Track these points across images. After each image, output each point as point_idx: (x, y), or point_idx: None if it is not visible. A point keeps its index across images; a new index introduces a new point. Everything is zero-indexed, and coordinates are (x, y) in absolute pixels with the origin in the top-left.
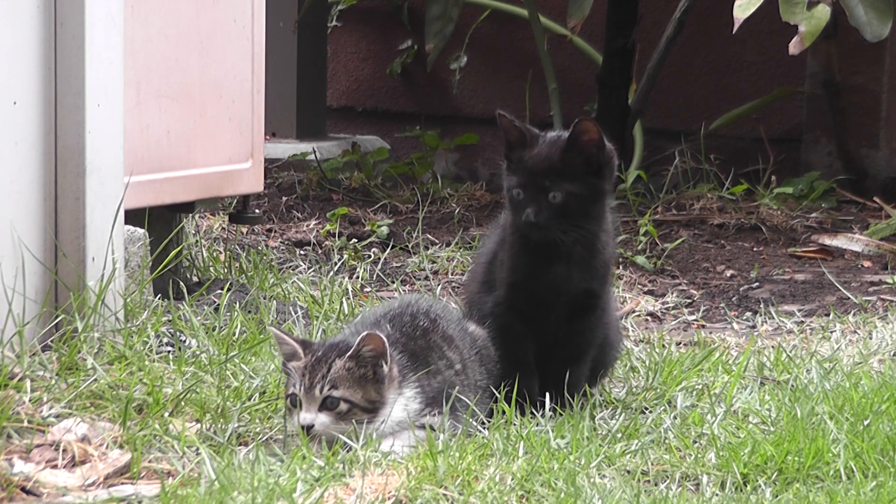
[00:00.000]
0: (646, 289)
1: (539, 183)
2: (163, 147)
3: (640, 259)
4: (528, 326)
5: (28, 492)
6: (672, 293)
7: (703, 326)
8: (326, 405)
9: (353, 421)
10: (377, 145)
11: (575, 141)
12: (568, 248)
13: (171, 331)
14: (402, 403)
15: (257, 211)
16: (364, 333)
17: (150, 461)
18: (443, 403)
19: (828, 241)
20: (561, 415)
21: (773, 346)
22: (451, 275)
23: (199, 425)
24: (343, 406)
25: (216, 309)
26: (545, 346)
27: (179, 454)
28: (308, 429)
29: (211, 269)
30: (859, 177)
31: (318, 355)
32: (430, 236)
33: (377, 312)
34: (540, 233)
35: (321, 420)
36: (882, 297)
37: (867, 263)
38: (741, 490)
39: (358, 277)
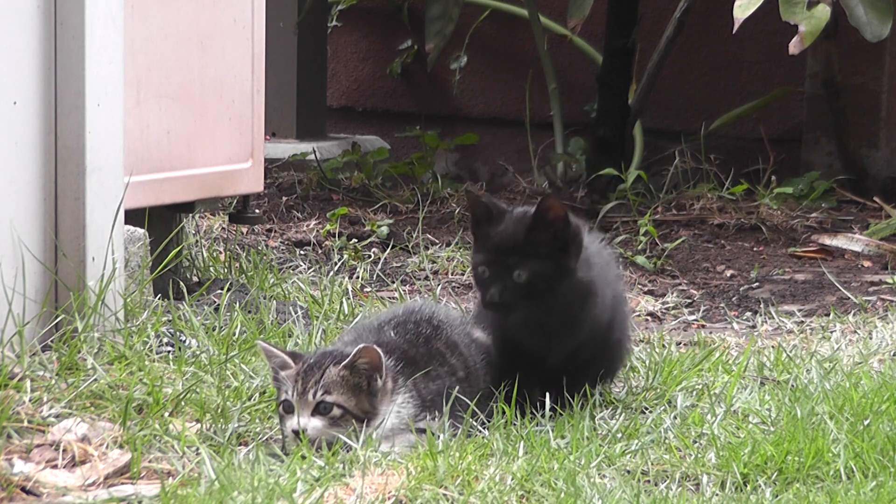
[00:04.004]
0: (646, 289)
1: (504, 261)
2: (163, 147)
3: (640, 259)
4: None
5: (28, 492)
6: (672, 293)
7: (703, 326)
8: (320, 410)
9: (345, 427)
10: (377, 145)
11: (540, 218)
12: (538, 323)
13: (171, 331)
14: (394, 411)
15: (257, 211)
16: (360, 346)
17: (150, 461)
18: (441, 406)
19: (828, 241)
20: (561, 415)
21: (773, 346)
22: (451, 275)
23: (199, 425)
24: (336, 411)
25: (216, 309)
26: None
27: (179, 454)
28: (300, 433)
29: (211, 269)
30: (859, 177)
31: (310, 362)
32: (430, 236)
33: (381, 318)
34: (505, 312)
35: (314, 424)
36: (882, 297)
37: (867, 263)
38: (741, 490)
39: (358, 277)
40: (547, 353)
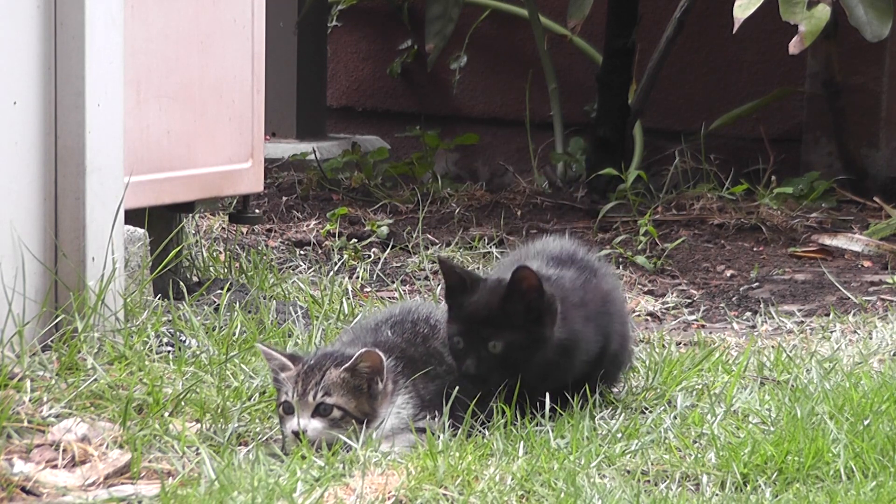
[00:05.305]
0: (646, 289)
1: (478, 331)
2: (163, 147)
3: (640, 259)
4: None
5: (28, 492)
6: (672, 293)
7: (703, 326)
8: (320, 411)
9: (345, 429)
10: (377, 145)
11: (514, 288)
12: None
13: (171, 331)
14: (394, 412)
15: (257, 211)
16: (363, 350)
17: (150, 461)
18: (441, 406)
19: (828, 241)
20: (561, 415)
21: (773, 346)
22: None
23: (199, 425)
24: (336, 413)
25: (216, 309)
26: None
27: (179, 454)
28: (300, 435)
29: (211, 269)
30: (859, 177)
31: (310, 364)
32: (430, 236)
33: (378, 318)
34: (481, 383)
35: (314, 426)
36: (882, 297)
37: (867, 263)
38: (741, 490)
39: (358, 277)
40: (532, 392)
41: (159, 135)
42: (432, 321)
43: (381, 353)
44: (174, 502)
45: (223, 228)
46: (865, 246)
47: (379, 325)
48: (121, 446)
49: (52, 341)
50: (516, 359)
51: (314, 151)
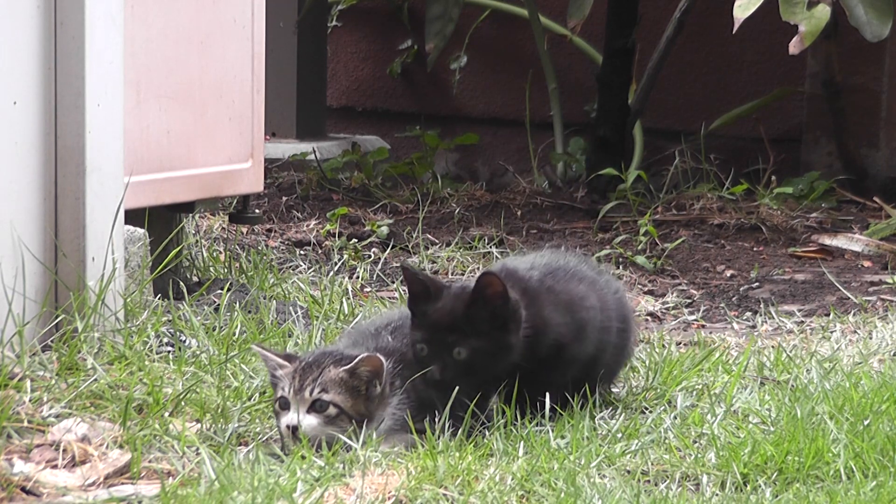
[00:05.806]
0: (646, 289)
1: (443, 338)
2: (163, 147)
3: (640, 259)
4: None
5: (28, 492)
6: (672, 293)
7: (703, 326)
8: (315, 408)
9: (340, 427)
10: (377, 145)
11: (479, 294)
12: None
13: (171, 331)
14: (390, 413)
15: (257, 211)
16: (365, 354)
17: (150, 461)
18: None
19: (828, 241)
20: (561, 415)
21: (773, 346)
22: (451, 275)
23: (199, 425)
24: (332, 410)
25: (216, 309)
26: None
27: (179, 454)
28: (294, 429)
29: (211, 269)
30: (859, 177)
31: (308, 361)
32: (430, 236)
33: (378, 323)
34: (446, 390)
35: (309, 422)
36: (882, 297)
37: (867, 263)
38: (741, 490)
39: (358, 277)
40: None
41: (159, 135)
42: None
43: (382, 359)
44: (174, 502)
45: (223, 228)
46: (865, 246)
47: (379, 331)
48: (121, 446)
49: (52, 341)
50: (481, 365)
51: (314, 151)
